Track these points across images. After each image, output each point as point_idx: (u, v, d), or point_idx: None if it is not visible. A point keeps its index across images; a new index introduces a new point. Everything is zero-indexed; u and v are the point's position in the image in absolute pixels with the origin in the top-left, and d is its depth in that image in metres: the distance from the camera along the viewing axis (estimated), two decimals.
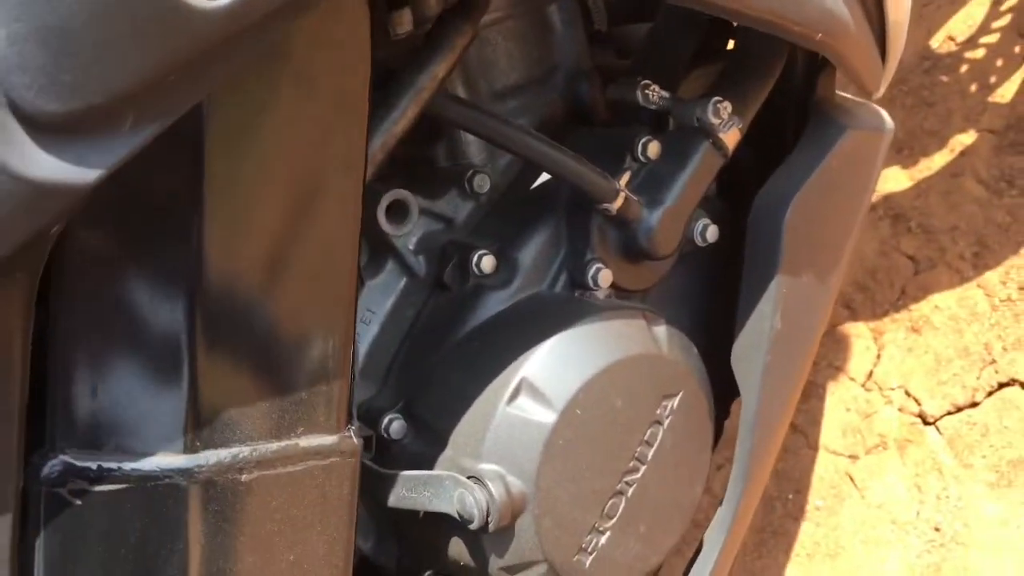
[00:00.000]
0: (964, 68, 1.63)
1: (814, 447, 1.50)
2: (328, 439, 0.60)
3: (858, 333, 1.53)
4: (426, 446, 0.73)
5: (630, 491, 0.74)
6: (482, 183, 0.80)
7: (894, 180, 1.60)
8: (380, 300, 0.80)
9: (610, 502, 0.73)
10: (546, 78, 0.84)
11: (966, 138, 1.56)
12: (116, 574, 0.54)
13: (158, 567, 0.54)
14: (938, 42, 1.69)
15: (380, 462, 0.73)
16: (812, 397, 1.53)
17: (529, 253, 0.77)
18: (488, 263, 0.76)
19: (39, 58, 0.41)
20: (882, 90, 0.97)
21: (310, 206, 0.57)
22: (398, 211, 0.77)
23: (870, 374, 1.49)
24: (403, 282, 0.80)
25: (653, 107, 0.78)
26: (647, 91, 0.77)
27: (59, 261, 0.52)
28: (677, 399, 0.75)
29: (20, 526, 0.52)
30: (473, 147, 0.81)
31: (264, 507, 0.58)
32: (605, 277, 0.75)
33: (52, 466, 0.52)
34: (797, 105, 0.85)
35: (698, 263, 0.84)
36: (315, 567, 0.60)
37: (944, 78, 1.65)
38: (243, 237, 0.55)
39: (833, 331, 1.55)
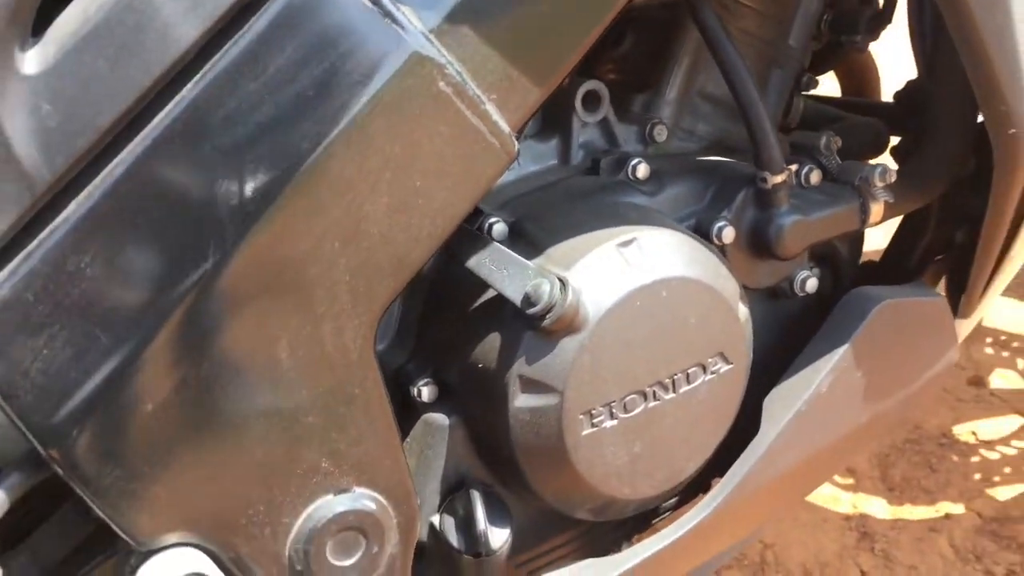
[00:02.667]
0: (976, 459, 1.74)
1: None
2: (501, 122, 0.65)
3: None
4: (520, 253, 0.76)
5: (651, 403, 0.76)
6: (660, 134, 0.90)
7: (878, 507, 1.66)
8: (527, 161, 0.87)
9: (634, 396, 0.75)
10: None
11: (954, 508, 1.64)
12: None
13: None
14: (962, 432, 1.82)
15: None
16: None
17: (677, 187, 0.85)
18: (643, 170, 0.84)
19: None
20: (964, 333, 1.07)
21: None
22: (591, 100, 0.87)
23: None
24: (554, 162, 0.88)
25: (825, 159, 0.89)
26: (831, 140, 0.88)
27: None
28: (727, 367, 0.79)
29: None
30: (667, 109, 0.92)
31: (416, 125, 0.62)
32: (728, 234, 0.82)
33: None
34: (923, 250, 0.96)
35: (780, 305, 0.91)
36: (426, 209, 0.63)
37: (955, 458, 1.76)
38: None
39: None
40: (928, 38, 0.95)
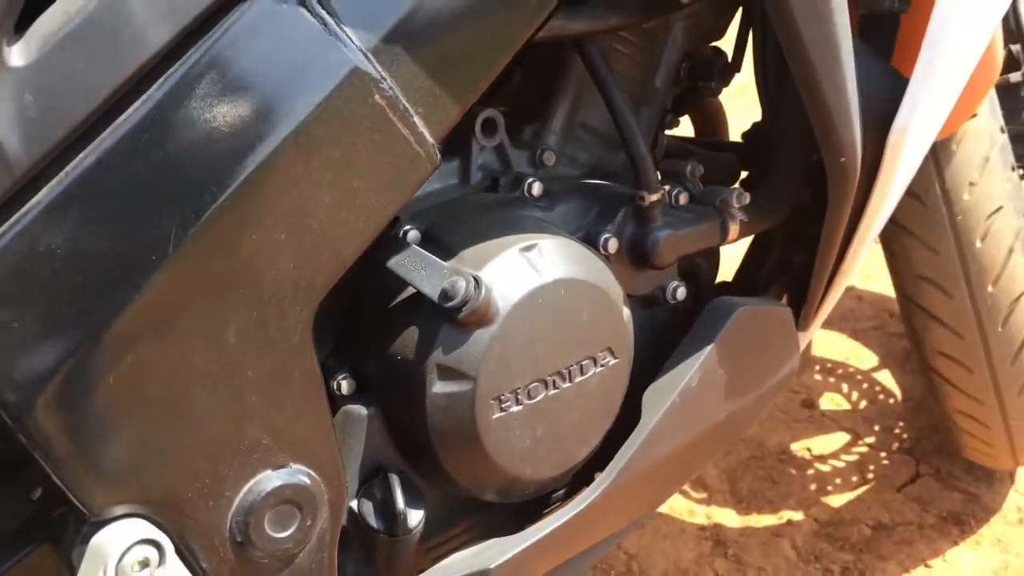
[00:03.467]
0: (811, 472, 1.93)
1: None
2: (426, 133, 0.74)
3: None
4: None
5: (551, 391, 0.85)
6: (549, 159, 1.01)
7: (729, 517, 1.81)
8: (431, 180, 0.95)
9: (537, 384, 0.84)
10: None
11: (794, 515, 1.81)
12: None
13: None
14: (798, 449, 2.00)
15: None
16: None
17: (568, 204, 0.95)
18: (538, 188, 0.94)
19: None
20: (803, 344, 1.23)
21: None
22: (489, 127, 0.97)
23: None
24: (455, 181, 0.97)
25: (690, 183, 1.02)
26: (696, 168, 1.02)
27: None
28: (614, 361, 0.90)
29: None
30: (553, 137, 1.03)
31: (354, 132, 0.69)
32: (612, 245, 0.94)
33: None
34: (769, 270, 1.11)
35: (654, 312, 1.03)
36: (361, 208, 0.71)
37: (793, 471, 1.93)
38: None
39: None
40: (771, 85, 1.10)
